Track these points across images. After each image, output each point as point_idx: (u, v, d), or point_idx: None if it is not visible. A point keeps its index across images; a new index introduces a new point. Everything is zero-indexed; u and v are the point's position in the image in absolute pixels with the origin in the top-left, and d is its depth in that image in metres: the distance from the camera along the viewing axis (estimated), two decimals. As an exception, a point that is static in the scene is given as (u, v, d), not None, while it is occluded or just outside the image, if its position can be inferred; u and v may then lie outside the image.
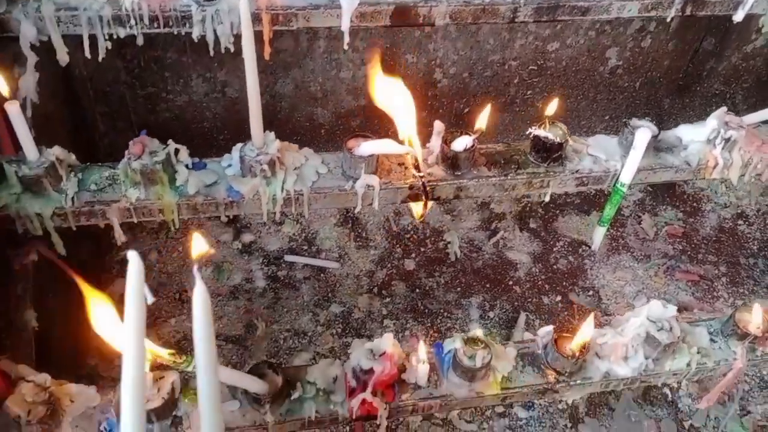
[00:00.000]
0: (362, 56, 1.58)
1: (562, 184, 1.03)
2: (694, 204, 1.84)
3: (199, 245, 0.67)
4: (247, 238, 1.66)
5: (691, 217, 1.81)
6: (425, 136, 0.97)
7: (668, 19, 1.12)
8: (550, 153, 1.00)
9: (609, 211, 1.07)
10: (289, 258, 1.62)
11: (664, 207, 1.82)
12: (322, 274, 1.60)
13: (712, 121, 1.02)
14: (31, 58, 0.93)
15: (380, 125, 1.68)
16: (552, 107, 1.00)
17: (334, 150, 1.00)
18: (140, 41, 0.96)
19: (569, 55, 1.67)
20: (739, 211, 1.83)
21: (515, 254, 1.68)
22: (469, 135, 0.97)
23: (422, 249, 1.68)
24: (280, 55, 1.53)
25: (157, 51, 1.44)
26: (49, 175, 0.87)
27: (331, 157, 0.99)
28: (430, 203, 1.02)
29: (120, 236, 0.93)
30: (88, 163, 0.94)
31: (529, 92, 1.74)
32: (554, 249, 1.70)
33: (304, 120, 1.68)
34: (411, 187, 0.98)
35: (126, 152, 0.89)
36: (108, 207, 0.90)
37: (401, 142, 0.92)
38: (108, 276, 1.53)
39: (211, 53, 0.98)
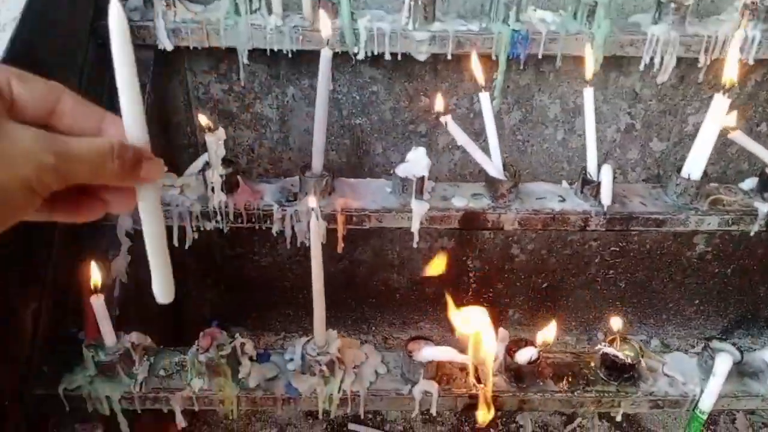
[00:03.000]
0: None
1: (635, 404, 0.96)
2: (799, 404, 1.67)
3: None
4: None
5: (794, 420, 1.63)
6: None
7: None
8: (621, 372, 0.95)
9: (688, 437, 0.99)
10: (352, 426, 1.59)
11: (762, 405, 1.66)
12: (384, 448, 1.55)
13: (804, 351, 0.94)
14: (125, 244, 1.02)
15: (456, 296, 1.67)
16: (616, 324, 0.96)
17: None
18: (226, 230, 1.03)
19: (653, 238, 1.62)
20: None
21: (591, 445, 1.57)
22: (534, 346, 0.95)
23: (491, 430, 1.60)
24: (361, 225, 1.59)
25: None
26: (123, 361, 0.92)
27: (392, 355, 0.99)
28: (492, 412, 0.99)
29: (181, 422, 0.96)
30: (161, 347, 0.99)
31: (611, 272, 1.70)
32: (636, 444, 1.57)
33: (380, 284, 1.71)
34: (471, 397, 0.95)
35: (195, 342, 0.93)
36: (172, 395, 0.93)
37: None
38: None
39: (288, 246, 1.03)
